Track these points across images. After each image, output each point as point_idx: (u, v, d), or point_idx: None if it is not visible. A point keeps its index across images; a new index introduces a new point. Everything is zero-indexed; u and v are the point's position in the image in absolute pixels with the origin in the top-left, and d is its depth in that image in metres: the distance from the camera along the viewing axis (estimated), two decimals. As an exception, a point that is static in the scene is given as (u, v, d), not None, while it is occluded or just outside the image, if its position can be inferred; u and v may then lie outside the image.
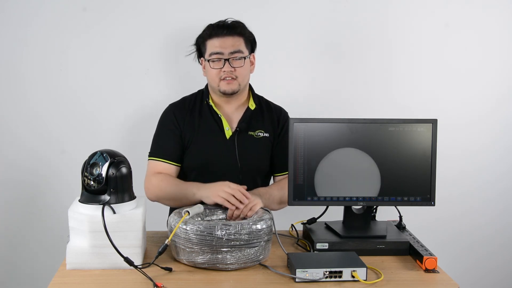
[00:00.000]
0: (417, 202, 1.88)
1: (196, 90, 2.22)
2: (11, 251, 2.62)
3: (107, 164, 1.64)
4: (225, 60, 2.04)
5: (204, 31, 2.11)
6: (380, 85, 2.63)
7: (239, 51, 2.06)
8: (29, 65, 2.50)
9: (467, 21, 2.61)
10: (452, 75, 2.64)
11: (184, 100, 2.19)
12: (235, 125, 2.12)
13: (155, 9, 2.50)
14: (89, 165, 1.66)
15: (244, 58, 2.07)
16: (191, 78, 2.42)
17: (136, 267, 1.59)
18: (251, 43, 2.13)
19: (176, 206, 1.97)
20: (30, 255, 2.62)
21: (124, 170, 1.66)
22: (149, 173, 2.09)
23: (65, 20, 2.48)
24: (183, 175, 2.13)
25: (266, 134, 2.14)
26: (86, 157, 1.69)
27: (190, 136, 2.10)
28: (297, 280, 1.57)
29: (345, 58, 2.61)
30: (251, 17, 2.49)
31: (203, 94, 2.17)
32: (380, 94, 2.63)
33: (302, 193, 1.86)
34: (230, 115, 2.14)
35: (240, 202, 1.83)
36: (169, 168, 2.08)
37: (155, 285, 1.52)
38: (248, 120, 2.13)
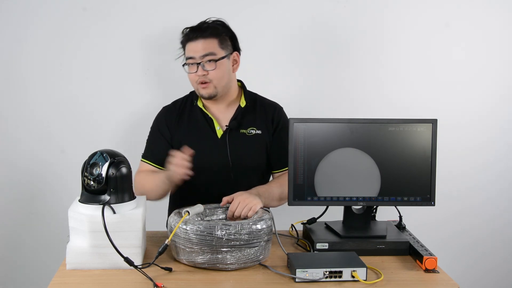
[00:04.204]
0: (417, 202, 1.88)
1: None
2: (11, 251, 2.62)
3: (107, 164, 1.64)
4: (197, 64, 2.03)
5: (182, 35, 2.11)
6: (380, 85, 2.63)
7: (211, 54, 2.03)
8: (29, 65, 2.50)
9: (467, 20, 2.61)
10: (452, 75, 2.64)
11: (175, 102, 2.20)
12: (226, 124, 2.12)
13: (156, 9, 2.50)
14: (89, 165, 1.66)
15: (216, 60, 2.03)
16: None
17: (136, 267, 1.59)
18: (232, 42, 2.10)
19: (159, 198, 2.06)
20: (30, 255, 2.62)
21: (124, 170, 1.66)
22: (136, 172, 2.12)
23: (65, 20, 2.48)
24: None
25: (259, 131, 2.13)
26: (86, 157, 1.69)
27: (180, 138, 2.11)
28: (297, 280, 1.57)
29: (346, 58, 2.61)
30: (251, 17, 2.50)
31: (193, 95, 2.18)
32: (380, 94, 2.63)
33: (302, 193, 1.86)
34: (220, 115, 2.14)
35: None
36: (158, 171, 2.11)
37: (155, 285, 1.52)
38: (240, 118, 2.12)
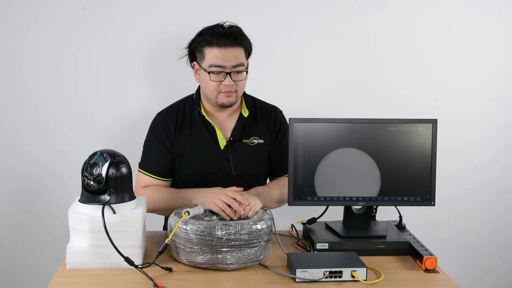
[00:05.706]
0: (417, 202, 1.88)
1: (195, 91, 2.19)
2: (11, 251, 2.62)
3: (107, 164, 1.64)
4: (227, 73, 1.94)
5: (201, 35, 1.97)
6: (380, 85, 2.63)
7: (241, 64, 1.95)
8: (29, 65, 2.50)
9: (467, 21, 2.61)
10: (452, 75, 2.65)
11: (172, 108, 2.10)
12: (228, 133, 2.06)
13: (156, 9, 2.50)
14: (89, 165, 1.66)
15: (246, 71, 1.99)
16: (191, 79, 2.42)
17: (136, 267, 1.59)
18: (249, 51, 2.03)
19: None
20: (30, 255, 2.62)
21: (124, 170, 1.66)
22: (138, 186, 2.05)
23: (65, 20, 2.48)
24: (175, 186, 2.09)
25: (261, 141, 2.09)
26: (86, 157, 1.69)
27: (181, 147, 2.04)
28: (297, 280, 1.57)
29: (345, 58, 2.61)
30: (251, 17, 2.50)
31: (193, 102, 2.09)
32: (380, 94, 2.63)
33: (302, 193, 1.86)
34: (223, 124, 2.07)
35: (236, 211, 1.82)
36: (159, 183, 2.05)
37: (155, 285, 1.52)
38: (242, 128, 2.07)
